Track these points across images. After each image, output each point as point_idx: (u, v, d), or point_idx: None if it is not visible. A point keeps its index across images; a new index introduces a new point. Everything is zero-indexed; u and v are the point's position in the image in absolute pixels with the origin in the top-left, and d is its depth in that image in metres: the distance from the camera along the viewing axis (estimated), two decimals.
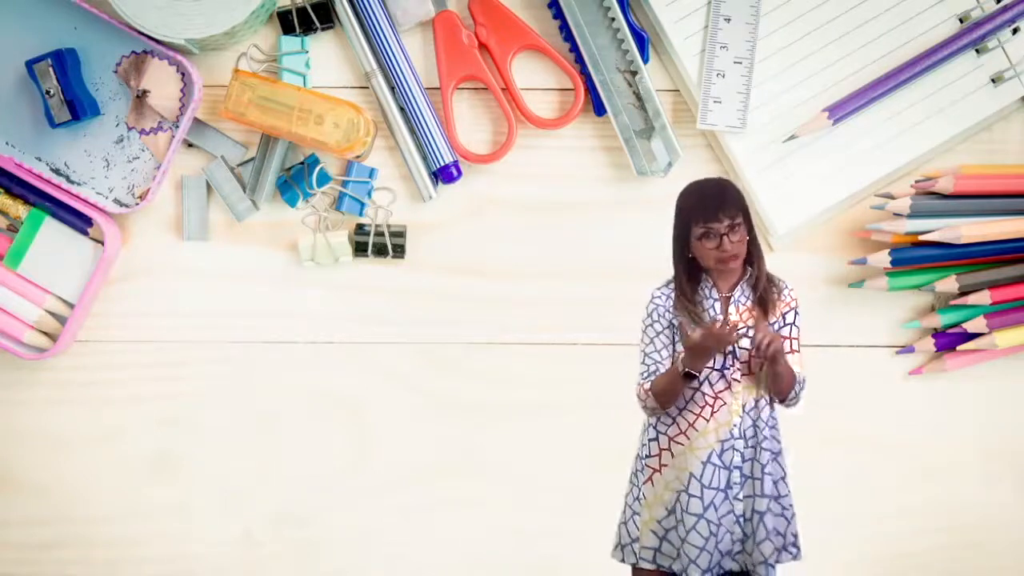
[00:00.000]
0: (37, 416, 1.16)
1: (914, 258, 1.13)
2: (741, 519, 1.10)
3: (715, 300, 1.10)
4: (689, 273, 1.11)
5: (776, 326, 1.11)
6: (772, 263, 1.14)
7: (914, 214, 1.12)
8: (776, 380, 1.10)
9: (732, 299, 1.10)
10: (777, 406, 1.11)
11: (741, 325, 1.10)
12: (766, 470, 1.09)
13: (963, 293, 1.13)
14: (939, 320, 1.14)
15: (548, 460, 1.15)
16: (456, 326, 1.16)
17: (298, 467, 1.16)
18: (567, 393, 1.15)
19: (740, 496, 1.10)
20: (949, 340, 1.14)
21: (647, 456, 1.11)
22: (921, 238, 1.12)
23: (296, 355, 1.16)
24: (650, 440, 1.11)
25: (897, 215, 1.12)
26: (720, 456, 1.10)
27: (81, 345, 1.16)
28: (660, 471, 1.11)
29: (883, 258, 1.12)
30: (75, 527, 1.16)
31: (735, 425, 1.10)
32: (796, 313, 1.12)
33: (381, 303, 1.16)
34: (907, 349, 1.15)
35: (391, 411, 1.16)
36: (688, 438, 1.10)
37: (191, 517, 1.16)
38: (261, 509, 1.16)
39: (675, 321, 1.11)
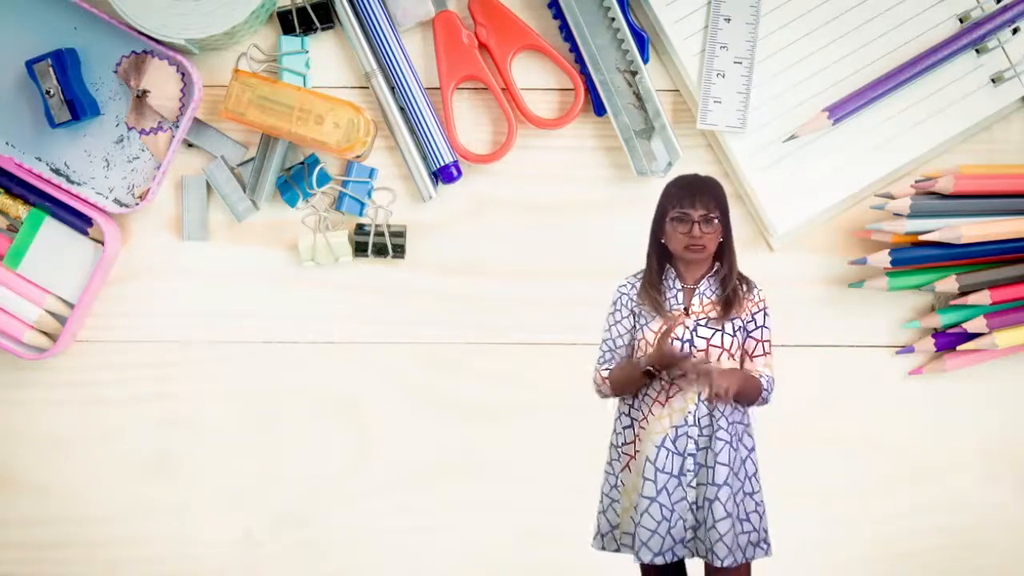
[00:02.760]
0: (37, 416, 1.16)
1: (914, 258, 1.13)
2: (694, 506, 1.10)
3: (678, 290, 1.12)
4: (659, 259, 1.13)
5: (743, 325, 1.11)
6: (772, 263, 1.15)
7: (914, 214, 1.12)
8: (741, 402, 1.11)
9: (697, 291, 1.11)
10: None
11: (702, 317, 1.10)
12: (719, 459, 1.10)
13: (963, 293, 1.13)
14: (939, 320, 1.14)
15: (548, 460, 1.15)
16: (456, 326, 1.16)
17: (298, 467, 1.16)
18: (567, 393, 1.15)
19: (693, 483, 1.10)
20: (949, 340, 1.14)
21: (623, 444, 1.12)
22: (921, 238, 1.12)
23: (296, 355, 1.16)
24: (624, 428, 1.12)
25: (897, 215, 1.12)
26: (674, 442, 1.10)
27: (81, 345, 1.16)
28: (635, 457, 1.12)
29: (883, 258, 1.12)
30: (75, 527, 1.16)
31: (690, 412, 1.10)
32: (766, 314, 1.12)
33: (381, 303, 1.16)
34: (907, 349, 1.15)
35: (391, 411, 1.16)
36: (648, 423, 1.11)
37: (191, 517, 1.16)
38: (261, 509, 1.16)
39: (636, 309, 1.12)
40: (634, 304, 1.13)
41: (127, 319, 1.16)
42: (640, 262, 1.14)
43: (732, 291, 1.12)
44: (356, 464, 1.16)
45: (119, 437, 1.16)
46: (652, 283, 1.12)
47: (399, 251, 1.15)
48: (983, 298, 1.13)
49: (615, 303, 1.13)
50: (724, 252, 1.12)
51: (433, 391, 1.15)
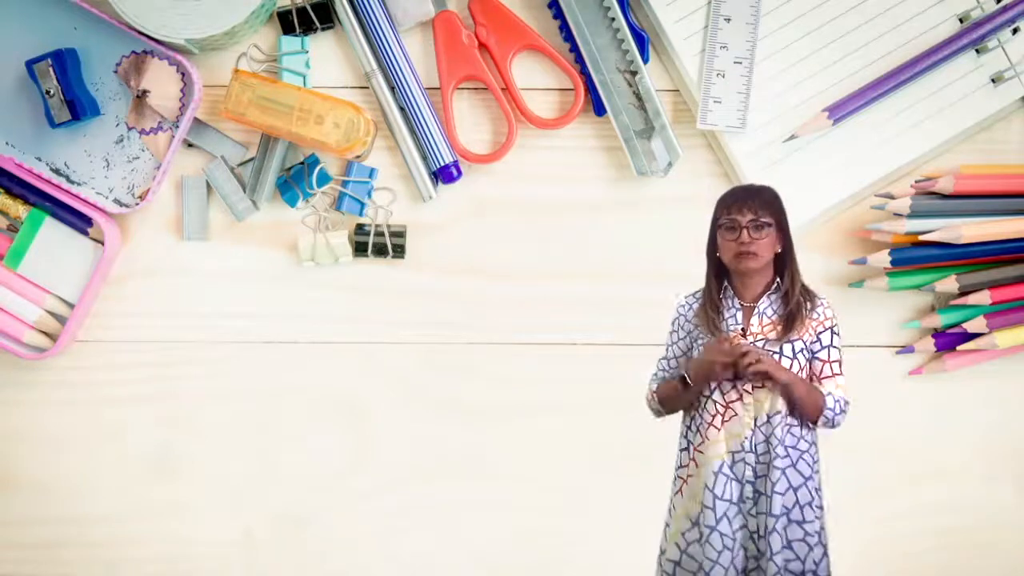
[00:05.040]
0: (37, 416, 1.16)
1: (914, 258, 1.13)
2: (755, 536, 1.08)
3: (737, 309, 1.09)
4: (717, 276, 1.10)
5: (806, 347, 1.08)
6: None
7: (914, 214, 1.12)
8: (793, 406, 1.08)
9: (756, 310, 1.09)
10: (816, 429, 1.09)
11: (760, 338, 1.09)
12: (776, 488, 1.07)
13: (963, 293, 1.13)
14: (939, 320, 1.14)
15: (548, 460, 1.15)
16: (456, 326, 1.16)
17: (298, 467, 1.16)
18: (567, 393, 1.15)
19: (753, 512, 1.08)
20: (949, 340, 1.14)
21: (679, 467, 1.10)
22: (921, 238, 1.12)
23: (296, 355, 1.16)
24: (681, 450, 1.10)
25: (897, 215, 1.12)
26: (731, 468, 1.08)
27: (81, 345, 1.16)
28: (687, 481, 1.10)
29: (883, 258, 1.12)
30: (75, 527, 1.16)
31: (746, 438, 1.08)
32: (834, 333, 1.09)
33: (381, 303, 1.16)
34: (907, 349, 1.15)
35: (391, 411, 1.16)
36: (704, 447, 1.09)
37: (191, 517, 1.16)
38: (261, 509, 1.16)
39: (693, 331, 1.10)
40: (692, 325, 1.10)
41: (127, 319, 1.16)
42: (640, 262, 1.14)
43: (795, 308, 1.08)
44: (356, 464, 1.16)
45: (119, 437, 1.16)
46: (711, 302, 1.09)
47: (399, 251, 1.15)
48: (983, 298, 1.13)
49: (673, 322, 1.11)
50: (785, 265, 1.09)
51: (433, 391, 1.15)
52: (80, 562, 1.16)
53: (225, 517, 1.16)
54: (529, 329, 1.15)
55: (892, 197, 1.13)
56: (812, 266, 1.15)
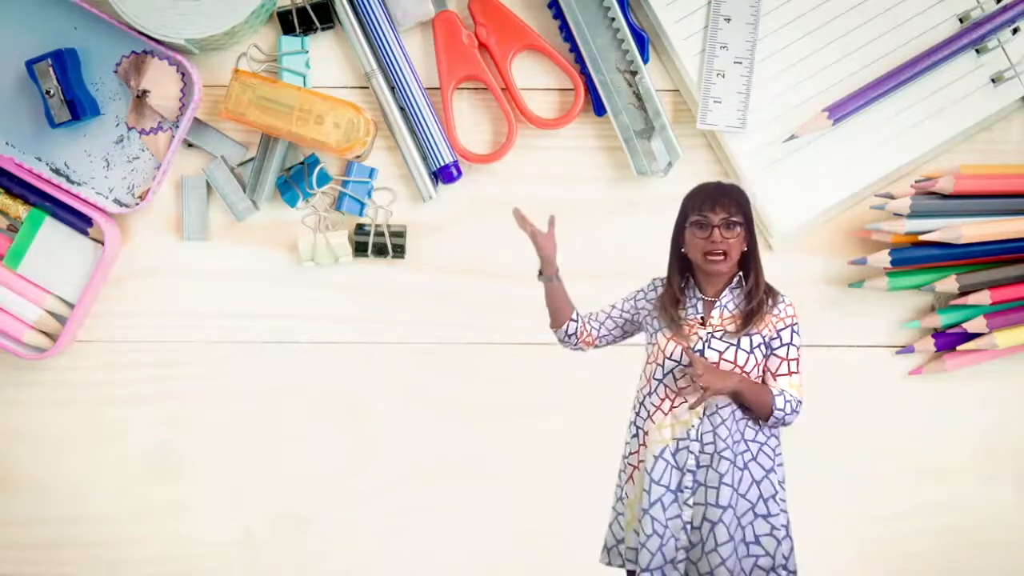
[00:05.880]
0: (37, 416, 1.16)
1: (914, 258, 1.13)
2: (689, 526, 1.07)
3: (698, 299, 1.08)
4: (680, 270, 1.09)
5: (765, 342, 1.07)
6: (772, 263, 1.14)
7: (914, 214, 1.12)
8: (747, 408, 1.07)
9: (717, 303, 1.08)
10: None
11: (719, 329, 1.07)
12: (723, 480, 1.05)
13: (963, 293, 1.13)
14: (939, 320, 1.14)
15: (548, 460, 1.15)
16: (456, 326, 1.16)
17: (298, 467, 1.16)
18: (567, 393, 1.15)
19: (691, 502, 1.06)
20: (949, 340, 1.14)
21: (629, 454, 1.09)
22: (921, 238, 1.12)
23: (296, 355, 1.16)
24: (631, 437, 1.09)
25: (897, 215, 1.12)
26: (674, 455, 1.07)
27: (81, 345, 1.16)
28: (638, 468, 1.09)
29: (883, 258, 1.12)
30: (75, 527, 1.16)
31: (693, 426, 1.07)
32: (793, 330, 1.08)
33: (381, 303, 1.16)
34: (907, 349, 1.15)
35: (391, 411, 1.16)
36: (649, 434, 1.08)
37: (191, 517, 1.16)
38: (261, 509, 1.16)
39: (650, 313, 1.10)
40: (649, 305, 1.10)
41: (127, 319, 1.16)
42: (639, 262, 1.14)
43: (756, 306, 1.07)
44: (356, 464, 1.16)
45: (119, 437, 1.16)
46: (670, 296, 1.08)
47: (399, 251, 1.15)
48: (983, 298, 1.13)
49: (635, 292, 1.11)
50: (749, 263, 1.08)
51: (432, 391, 1.15)
52: (80, 562, 1.16)
53: (225, 517, 1.16)
54: (529, 329, 1.15)
55: (892, 197, 1.13)
56: (812, 266, 1.15)
